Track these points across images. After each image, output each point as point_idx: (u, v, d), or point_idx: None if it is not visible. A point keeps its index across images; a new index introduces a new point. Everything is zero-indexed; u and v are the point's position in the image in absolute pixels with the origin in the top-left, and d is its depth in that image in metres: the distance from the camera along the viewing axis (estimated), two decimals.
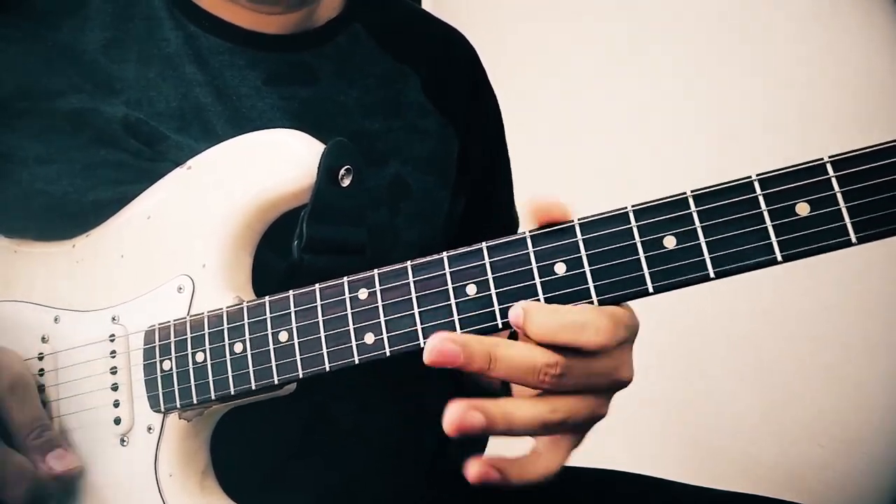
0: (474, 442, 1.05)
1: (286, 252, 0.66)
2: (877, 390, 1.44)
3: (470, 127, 0.87)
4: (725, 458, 1.57)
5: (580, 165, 1.76)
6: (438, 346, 0.51)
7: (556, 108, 1.83)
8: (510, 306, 0.55)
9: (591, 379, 0.53)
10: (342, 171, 0.66)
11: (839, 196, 0.48)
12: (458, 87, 0.88)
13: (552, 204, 0.54)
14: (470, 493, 0.82)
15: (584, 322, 0.51)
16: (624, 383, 0.55)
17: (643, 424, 1.66)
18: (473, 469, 0.51)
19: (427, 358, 0.51)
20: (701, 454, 1.59)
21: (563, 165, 1.79)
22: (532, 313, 0.52)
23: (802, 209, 0.49)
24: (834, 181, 0.49)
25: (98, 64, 0.72)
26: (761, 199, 0.50)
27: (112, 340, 0.67)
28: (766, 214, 0.50)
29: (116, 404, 0.66)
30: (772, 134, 1.47)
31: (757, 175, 0.50)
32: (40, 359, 0.69)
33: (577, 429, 0.55)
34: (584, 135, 1.78)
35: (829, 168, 0.49)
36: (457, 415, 0.50)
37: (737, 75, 1.55)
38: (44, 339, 0.70)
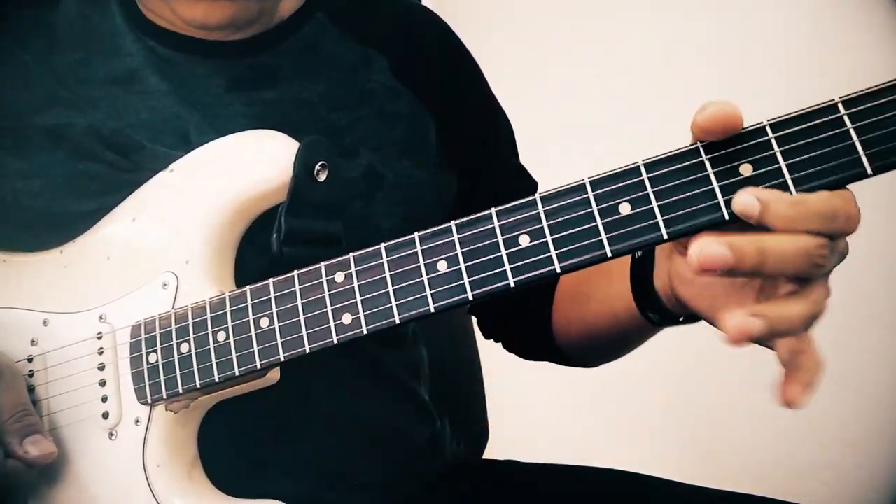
0: (471, 440, 1.06)
1: (266, 249, 0.69)
2: (878, 390, 1.45)
3: (449, 101, 0.86)
4: (726, 458, 1.56)
5: (578, 158, 1.75)
6: (705, 251, 0.47)
7: (556, 100, 1.82)
8: (483, 277, 0.57)
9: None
10: (317, 167, 0.69)
11: (779, 155, 0.52)
12: (429, 63, 0.87)
13: (728, 114, 0.50)
14: (463, 489, 0.84)
15: (834, 210, 0.49)
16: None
17: (644, 424, 1.66)
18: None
19: (695, 266, 0.48)
20: (701, 454, 1.58)
21: (564, 159, 1.79)
22: (774, 204, 0.49)
23: (746, 170, 0.52)
24: (773, 142, 0.52)
25: (68, 82, 0.75)
26: (707, 162, 0.53)
27: (99, 338, 0.69)
28: (712, 177, 0.53)
29: (104, 399, 0.68)
30: None
31: (702, 142, 0.54)
32: (29, 361, 0.71)
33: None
34: (582, 124, 1.77)
35: (769, 130, 0.52)
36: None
37: (736, 73, 1.55)
38: (33, 342, 0.72)
